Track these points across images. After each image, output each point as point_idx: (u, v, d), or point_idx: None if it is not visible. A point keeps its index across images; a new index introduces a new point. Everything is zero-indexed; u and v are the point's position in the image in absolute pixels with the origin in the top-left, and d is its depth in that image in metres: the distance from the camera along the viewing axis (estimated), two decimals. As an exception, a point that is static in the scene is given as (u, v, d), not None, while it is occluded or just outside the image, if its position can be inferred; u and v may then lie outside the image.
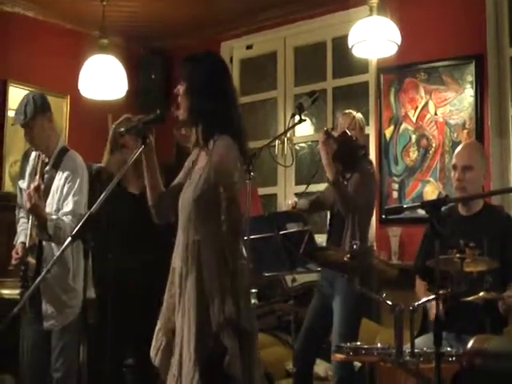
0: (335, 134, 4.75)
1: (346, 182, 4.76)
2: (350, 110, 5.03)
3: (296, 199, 5.02)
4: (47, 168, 4.51)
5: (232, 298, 3.26)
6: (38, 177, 4.31)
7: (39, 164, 4.37)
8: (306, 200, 5.04)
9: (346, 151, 4.74)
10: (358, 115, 4.98)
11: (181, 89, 3.48)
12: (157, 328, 3.47)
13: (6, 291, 5.56)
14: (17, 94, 6.89)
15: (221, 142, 3.36)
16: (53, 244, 4.43)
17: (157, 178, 3.48)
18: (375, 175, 5.01)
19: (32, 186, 4.23)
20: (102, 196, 3.08)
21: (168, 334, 3.41)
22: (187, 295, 3.31)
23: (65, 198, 4.46)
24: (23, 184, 4.67)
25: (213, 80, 3.49)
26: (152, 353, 3.46)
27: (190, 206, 3.37)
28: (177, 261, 3.43)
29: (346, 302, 4.60)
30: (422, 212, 5.12)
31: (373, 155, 6.35)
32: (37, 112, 4.56)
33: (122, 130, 3.42)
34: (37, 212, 4.28)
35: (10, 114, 6.87)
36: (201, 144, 3.47)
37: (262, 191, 6.70)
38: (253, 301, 5.57)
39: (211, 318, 3.23)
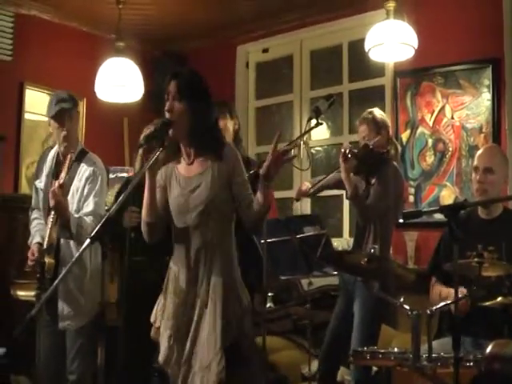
0: (355, 150, 4.71)
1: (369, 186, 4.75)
2: (367, 114, 4.95)
3: (309, 184, 5.01)
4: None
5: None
6: (64, 174, 4.31)
7: (67, 161, 4.36)
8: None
9: (368, 163, 4.72)
10: (376, 114, 4.91)
11: (176, 105, 3.50)
12: (165, 335, 3.53)
13: (22, 292, 5.57)
14: (33, 97, 6.95)
15: (232, 152, 3.60)
16: (71, 244, 4.45)
17: (156, 196, 3.55)
18: (401, 177, 4.95)
19: (57, 184, 4.25)
20: (119, 199, 3.10)
21: (177, 339, 3.49)
22: (212, 289, 3.45)
23: (85, 199, 4.48)
24: (40, 184, 4.68)
25: (208, 97, 3.61)
26: (162, 358, 3.52)
27: (203, 208, 3.48)
28: (185, 263, 3.53)
29: (365, 306, 4.58)
30: (438, 216, 5.14)
31: (389, 159, 6.33)
32: (77, 103, 4.65)
33: (141, 142, 3.44)
34: (61, 209, 4.29)
35: (27, 116, 6.91)
36: (191, 158, 3.59)
37: (277, 195, 6.68)
38: (268, 304, 5.59)
39: (234, 308, 3.47)
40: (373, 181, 4.77)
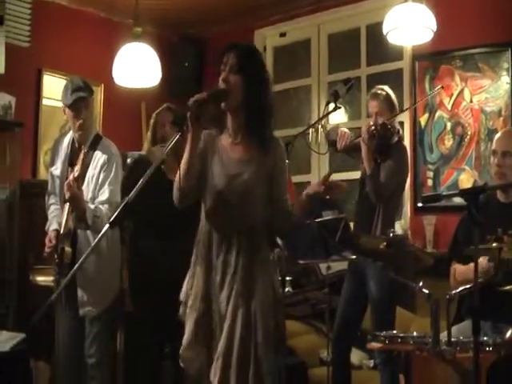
0: (377, 129, 4.70)
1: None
2: (380, 90, 4.93)
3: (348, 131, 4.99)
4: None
5: None
6: (78, 167, 4.30)
7: (81, 155, 4.35)
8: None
9: (383, 142, 4.72)
10: (389, 92, 4.90)
11: (233, 78, 3.40)
12: (188, 319, 3.44)
13: (41, 278, 5.60)
14: (51, 83, 6.97)
15: (278, 148, 3.49)
16: (88, 231, 4.44)
17: (194, 163, 3.39)
18: (407, 159, 4.95)
19: (71, 176, 4.24)
20: (138, 184, 3.08)
21: (200, 324, 3.39)
22: (259, 279, 3.38)
23: (101, 187, 4.48)
24: (56, 171, 4.69)
25: (267, 77, 3.54)
26: (184, 344, 3.43)
27: (241, 197, 3.38)
28: (216, 246, 3.42)
29: (381, 289, 4.58)
30: (457, 200, 5.14)
31: (407, 143, 6.30)
32: (92, 91, 4.65)
33: (190, 104, 3.28)
34: (76, 202, 4.29)
35: (45, 102, 6.93)
36: (239, 136, 3.46)
37: (295, 179, 6.66)
38: (287, 289, 5.59)
39: (269, 298, 3.39)
40: (379, 160, 4.76)
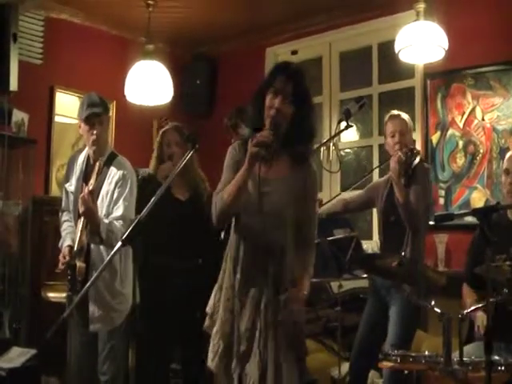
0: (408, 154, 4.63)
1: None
2: (398, 112, 4.88)
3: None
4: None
5: None
6: (93, 181, 4.33)
7: (95, 168, 4.39)
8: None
9: (408, 166, 4.64)
10: (407, 116, 4.86)
11: (287, 108, 3.35)
12: (213, 332, 3.42)
13: (52, 294, 5.60)
14: (63, 100, 7.00)
15: (310, 169, 3.47)
16: (101, 247, 4.45)
17: (244, 191, 3.35)
18: (430, 180, 4.90)
19: (86, 190, 4.26)
20: (151, 201, 3.10)
21: (225, 337, 3.37)
22: (276, 303, 3.35)
23: (115, 203, 4.49)
24: (70, 187, 4.70)
25: (311, 98, 3.55)
26: (210, 356, 3.41)
27: (273, 216, 3.35)
28: (244, 264, 3.39)
29: (402, 313, 4.50)
30: (468, 219, 5.11)
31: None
32: (108, 108, 4.69)
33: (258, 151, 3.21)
34: (90, 216, 4.30)
35: (57, 119, 6.96)
36: (275, 153, 3.35)
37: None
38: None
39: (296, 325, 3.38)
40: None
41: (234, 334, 3.35)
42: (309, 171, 3.46)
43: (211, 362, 3.40)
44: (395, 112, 4.86)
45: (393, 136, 4.71)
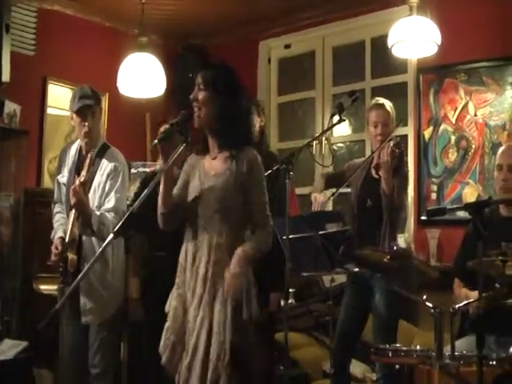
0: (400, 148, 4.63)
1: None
2: (382, 100, 4.85)
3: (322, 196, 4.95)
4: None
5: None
6: (85, 172, 4.34)
7: (87, 160, 4.39)
8: (320, 180, 5.06)
9: (400, 159, 4.64)
10: (390, 105, 4.85)
11: (201, 94, 3.55)
12: (165, 326, 3.56)
13: (44, 286, 5.60)
14: (56, 92, 6.98)
15: (251, 154, 3.56)
16: (93, 239, 4.45)
17: (170, 188, 3.58)
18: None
19: (77, 182, 4.26)
20: (143, 194, 3.11)
21: (178, 332, 3.51)
22: (218, 294, 3.44)
23: (107, 195, 4.49)
24: (62, 179, 4.70)
25: (237, 89, 3.62)
26: (161, 350, 3.55)
27: (214, 210, 3.49)
28: (201, 259, 3.50)
29: (387, 302, 4.54)
30: (460, 214, 5.13)
31: (411, 156, 6.32)
32: (100, 100, 4.67)
33: (155, 142, 3.45)
34: (82, 207, 4.31)
35: (50, 111, 6.94)
36: (215, 151, 3.59)
37: (299, 191, 6.66)
38: (290, 300, 5.58)
39: (245, 308, 3.45)
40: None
41: (185, 328, 3.50)
42: (247, 162, 3.52)
43: (162, 355, 3.54)
44: (380, 100, 4.85)
45: (375, 126, 4.74)
